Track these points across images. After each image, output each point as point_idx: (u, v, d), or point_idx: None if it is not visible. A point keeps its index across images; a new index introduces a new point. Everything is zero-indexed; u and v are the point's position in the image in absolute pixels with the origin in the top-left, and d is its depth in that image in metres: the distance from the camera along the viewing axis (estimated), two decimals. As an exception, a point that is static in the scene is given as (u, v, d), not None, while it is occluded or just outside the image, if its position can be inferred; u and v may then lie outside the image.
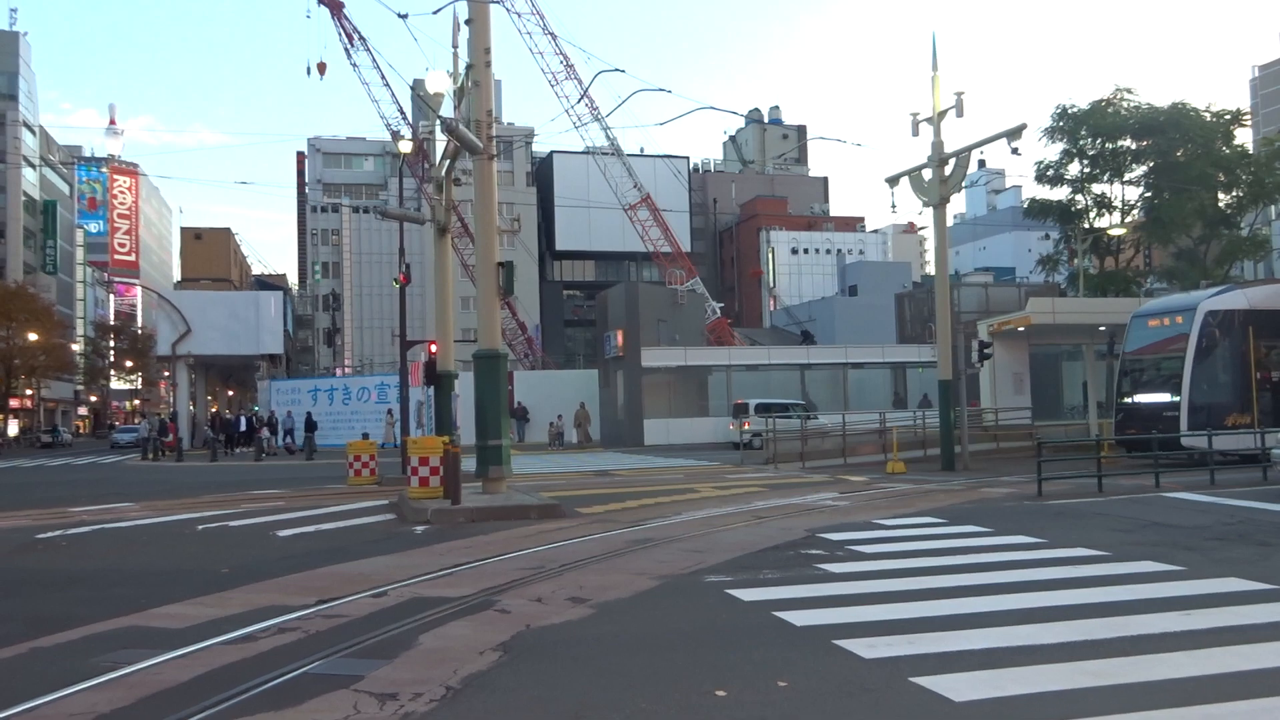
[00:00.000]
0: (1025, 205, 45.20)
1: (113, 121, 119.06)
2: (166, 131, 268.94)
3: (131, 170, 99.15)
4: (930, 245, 74.88)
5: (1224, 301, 20.25)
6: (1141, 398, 20.94)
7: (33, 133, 74.71)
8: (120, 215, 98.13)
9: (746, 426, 25.21)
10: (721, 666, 5.82)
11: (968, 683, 5.33)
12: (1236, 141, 38.69)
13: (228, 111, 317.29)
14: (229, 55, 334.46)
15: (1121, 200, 39.74)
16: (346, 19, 47.35)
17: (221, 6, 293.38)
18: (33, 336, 55.11)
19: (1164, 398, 20.18)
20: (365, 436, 32.67)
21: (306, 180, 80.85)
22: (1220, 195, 38.28)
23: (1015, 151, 19.48)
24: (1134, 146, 38.04)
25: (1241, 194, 38.15)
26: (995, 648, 6.08)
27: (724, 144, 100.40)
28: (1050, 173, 39.29)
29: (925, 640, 6.27)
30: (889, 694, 5.26)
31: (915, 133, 21.45)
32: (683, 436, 34.65)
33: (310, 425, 36.01)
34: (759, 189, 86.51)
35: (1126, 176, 39.05)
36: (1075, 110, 38.20)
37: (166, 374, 55.87)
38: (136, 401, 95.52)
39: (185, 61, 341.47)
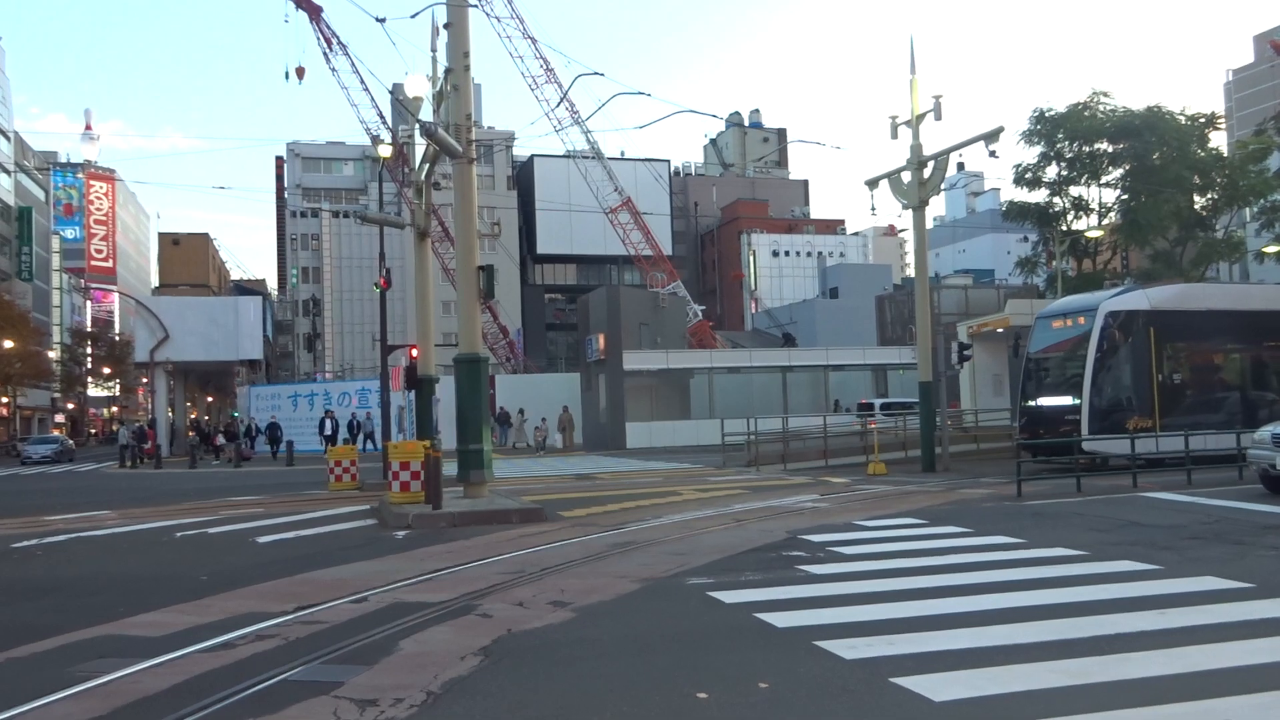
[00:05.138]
0: (1004, 208, 45.51)
1: (88, 127, 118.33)
2: (137, 136, 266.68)
3: (108, 176, 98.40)
4: (910, 248, 75.39)
5: (1125, 302, 19.72)
6: (1044, 400, 20.42)
7: (7, 138, 73.96)
8: (97, 221, 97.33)
9: (872, 425, 25.24)
10: (703, 669, 5.83)
11: (947, 683, 5.36)
12: (1211, 145, 39.10)
13: (202, 116, 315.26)
14: (203, 60, 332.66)
15: (1099, 203, 40.08)
16: (325, 23, 47.23)
17: (195, 11, 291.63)
18: (8, 344, 54.51)
19: (1066, 400, 19.64)
20: (346, 442, 32.53)
21: (285, 185, 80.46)
22: (1195, 198, 38.65)
23: (993, 154, 19.60)
24: (1110, 149, 38.36)
25: (1216, 197, 38.54)
26: (975, 648, 6.12)
27: (704, 147, 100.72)
28: (1028, 175, 39.57)
29: (905, 641, 6.30)
30: (869, 694, 5.28)
31: (894, 136, 21.55)
32: (665, 439, 34.66)
33: (335, 430, 35.66)
34: (740, 192, 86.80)
35: (1103, 179, 39.38)
36: (1052, 113, 38.49)
37: (145, 380, 55.44)
38: (115, 408, 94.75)
39: (155, 66, 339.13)
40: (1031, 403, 20.69)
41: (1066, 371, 20.17)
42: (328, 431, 35.70)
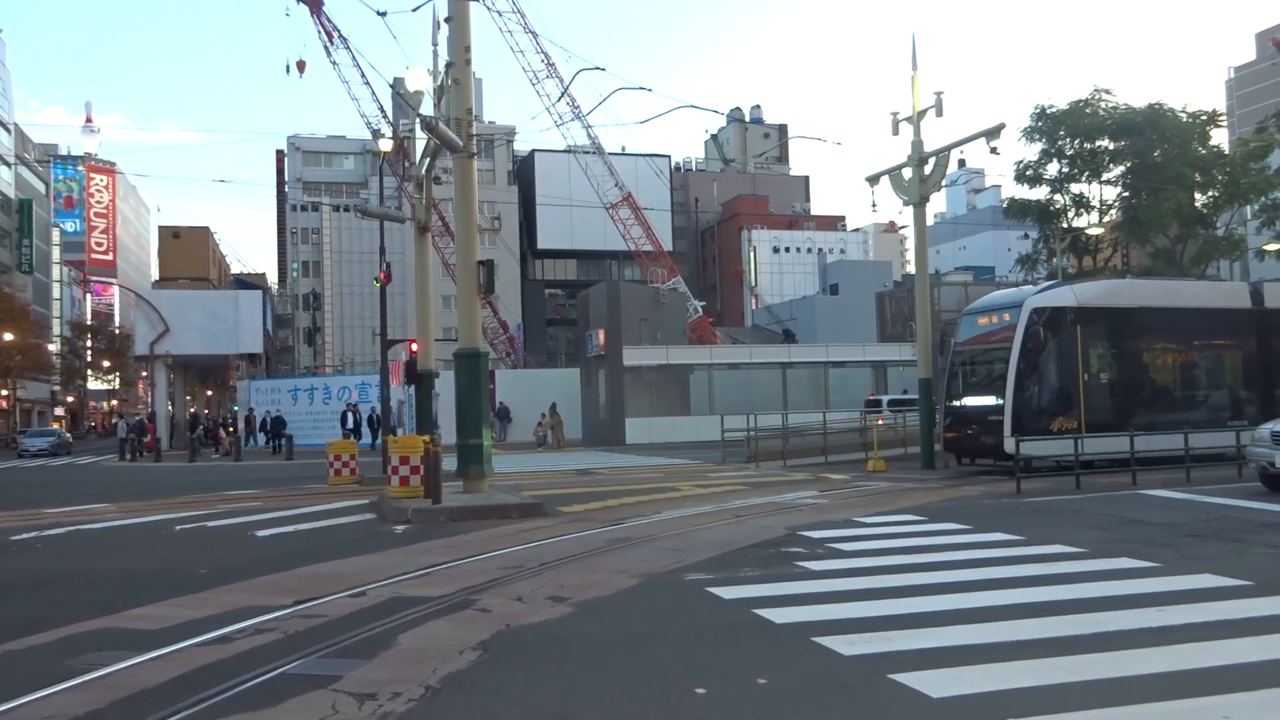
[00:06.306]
0: (1004, 205, 45.46)
1: (89, 119, 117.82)
2: (137, 129, 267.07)
3: (108, 169, 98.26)
4: (911, 244, 75.30)
5: (1051, 298, 19.05)
6: (969, 400, 19.76)
7: (8, 131, 73.85)
8: (97, 214, 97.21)
9: (880, 422, 24.98)
10: (702, 664, 5.83)
11: (945, 679, 5.36)
12: (1212, 142, 39.04)
13: (202, 109, 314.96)
14: (203, 53, 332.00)
15: (1099, 200, 40.03)
16: (326, 17, 47.18)
17: (195, 3, 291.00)
18: (8, 337, 54.45)
19: (989, 400, 18.81)
20: (348, 435, 32.49)
21: (286, 179, 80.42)
22: (1196, 195, 38.60)
23: (994, 151, 19.54)
24: (1112, 147, 38.31)
25: (1217, 194, 38.49)
26: (973, 644, 6.12)
27: (705, 143, 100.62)
28: (1029, 172, 39.51)
29: (904, 637, 6.31)
30: (868, 691, 5.29)
31: (895, 132, 21.52)
32: (664, 436, 34.63)
33: (356, 423, 35.30)
34: (740, 188, 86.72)
35: (1104, 176, 39.32)
36: (1054, 110, 38.44)
37: (144, 374, 55.44)
38: (114, 402, 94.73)
39: (154, 59, 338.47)
40: (956, 402, 19.96)
41: (991, 370, 19.43)
42: (350, 425, 35.30)
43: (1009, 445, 17.46)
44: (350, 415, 35.99)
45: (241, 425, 41.33)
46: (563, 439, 35.47)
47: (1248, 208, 41.45)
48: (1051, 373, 18.75)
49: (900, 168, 21.64)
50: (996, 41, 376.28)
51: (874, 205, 32.74)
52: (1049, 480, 16.36)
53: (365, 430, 36.39)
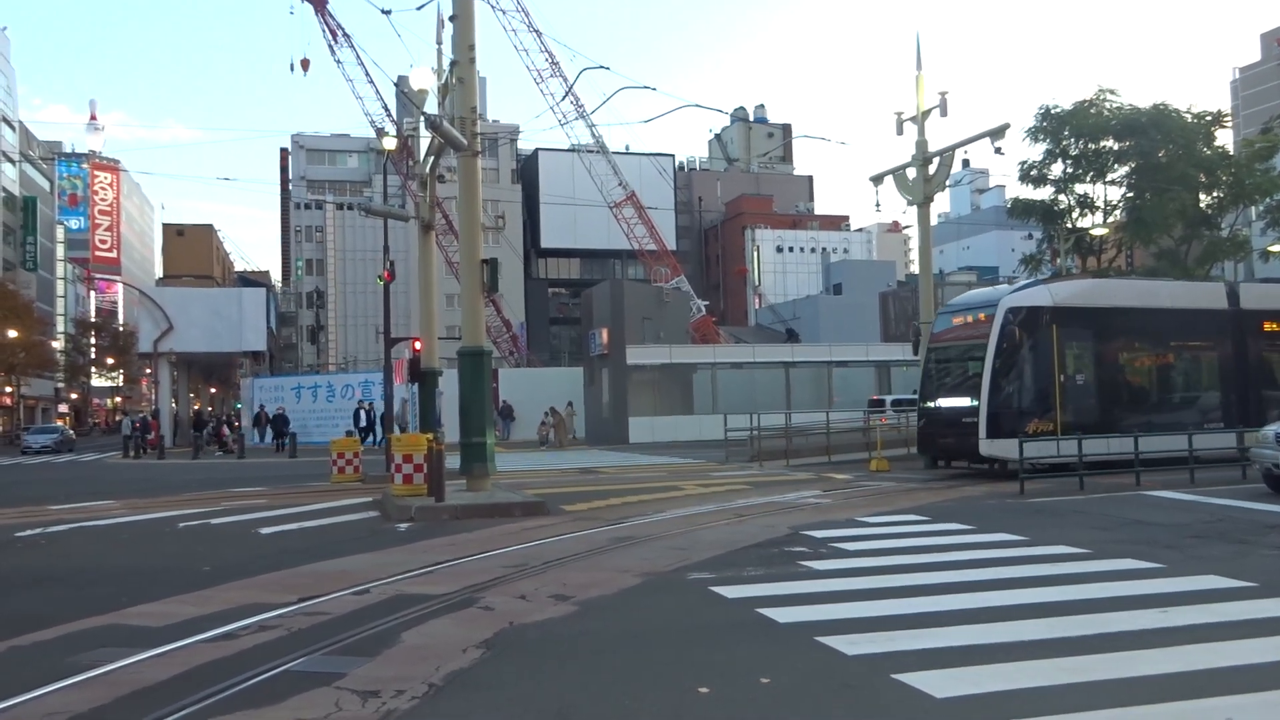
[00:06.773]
0: (1009, 205, 45.41)
1: (93, 117, 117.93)
2: (140, 127, 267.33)
3: (113, 166, 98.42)
4: (914, 244, 75.26)
5: (1027, 298, 18.49)
6: (943, 401, 19.21)
7: (12, 128, 73.95)
8: (101, 211, 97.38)
9: (883, 422, 24.86)
10: (705, 664, 5.82)
11: (949, 679, 5.36)
12: (1217, 143, 38.93)
13: (206, 108, 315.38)
14: (206, 51, 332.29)
15: (1104, 200, 39.93)
16: (330, 15, 47.25)
17: (197, 1, 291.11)
18: (12, 334, 54.55)
19: (964, 402, 18.37)
20: (349, 434, 32.52)
21: (290, 177, 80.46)
22: (1201, 196, 38.49)
23: (998, 151, 19.54)
24: (1116, 147, 38.20)
25: (1222, 195, 38.39)
26: (976, 644, 6.11)
27: (709, 142, 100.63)
28: (1033, 173, 39.43)
29: (907, 637, 6.30)
30: (871, 690, 5.28)
31: (900, 132, 21.54)
32: (667, 434, 34.63)
33: (370, 422, 35.10)
34: (744, 187, 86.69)
35: (1109, 177, 39.21)
36: (1058, 110, 38.36)
37: (148, 371, 55.55)
38: (118, 399, 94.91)
39: (157, 57, 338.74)
40: (930, 404, 19.63)
41: (967, 371, 19.05)
42: (364, 424, 35.08)
43: (983, 447, 17.46)
44: (364, 414, 35.89)
45: (250, 422, 41.40)
46: (564, 439, 35.47)
47: (1252, 209, 41.34)
48: (1027, 374, 18.35)
49: (904, 167, 21.64)
50: (1001, 41, 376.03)
51: (878, 205, 32.87)
52: (1052, 481, 16.32)
53: (379, 428, 36.21)
